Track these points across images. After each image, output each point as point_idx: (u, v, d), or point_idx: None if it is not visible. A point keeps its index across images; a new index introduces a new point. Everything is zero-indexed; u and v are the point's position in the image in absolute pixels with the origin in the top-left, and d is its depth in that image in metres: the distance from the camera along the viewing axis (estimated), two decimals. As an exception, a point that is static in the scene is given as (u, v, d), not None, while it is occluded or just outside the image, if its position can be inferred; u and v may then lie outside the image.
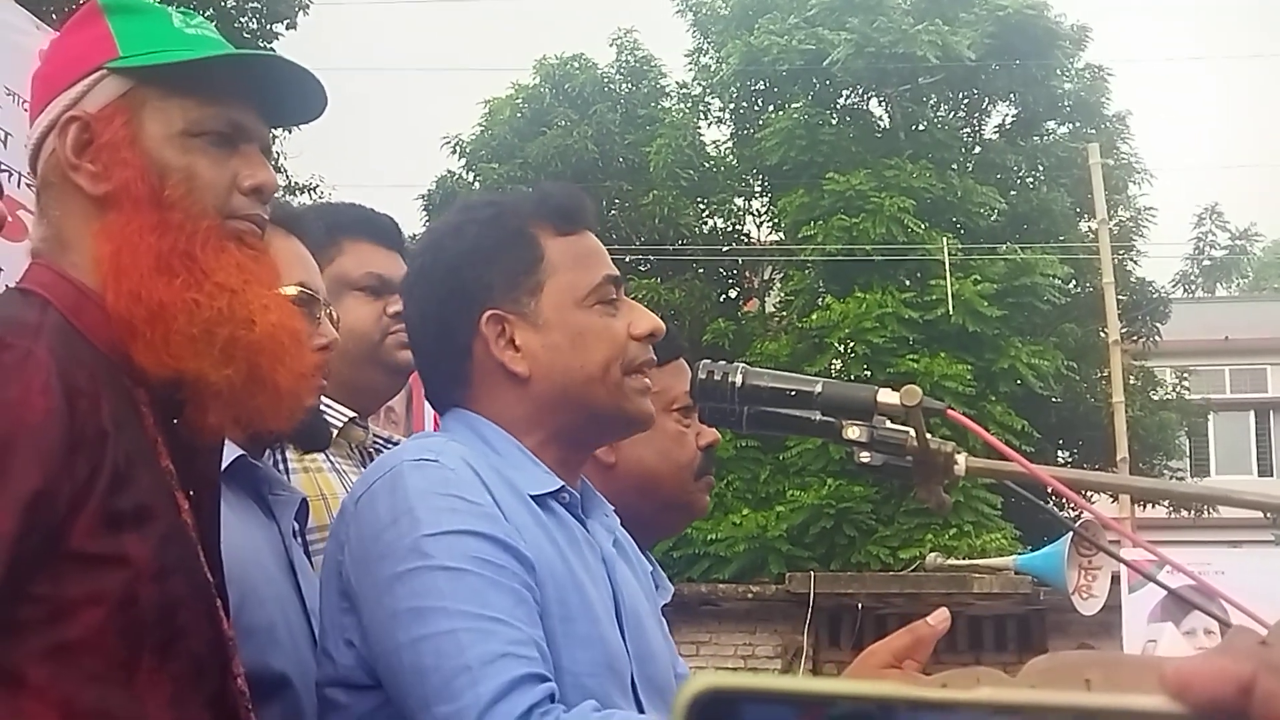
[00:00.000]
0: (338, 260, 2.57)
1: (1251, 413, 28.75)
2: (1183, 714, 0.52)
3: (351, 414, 2.55)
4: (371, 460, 2.65)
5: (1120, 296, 12.94)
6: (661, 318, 2.10)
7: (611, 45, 19.92)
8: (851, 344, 16.24)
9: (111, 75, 1.72)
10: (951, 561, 9.82)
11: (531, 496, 1.85)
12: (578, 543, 1.88)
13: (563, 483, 1.91)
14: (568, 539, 1.86)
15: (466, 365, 1.94)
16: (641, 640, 1.93)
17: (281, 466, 2.36)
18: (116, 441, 1.58)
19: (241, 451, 2.05)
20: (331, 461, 2.51)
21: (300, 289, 2.16)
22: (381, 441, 2.73)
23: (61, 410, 1.53)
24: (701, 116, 19.39)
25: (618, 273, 2.00)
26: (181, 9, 1.82)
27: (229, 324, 1.66)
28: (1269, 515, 17.40)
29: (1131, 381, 16.54)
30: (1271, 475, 27.44)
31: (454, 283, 1.96)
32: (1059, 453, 17.83)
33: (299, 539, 2.18)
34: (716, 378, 1.74)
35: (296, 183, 18.54)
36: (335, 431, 2.50)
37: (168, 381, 1.65)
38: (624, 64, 19.81)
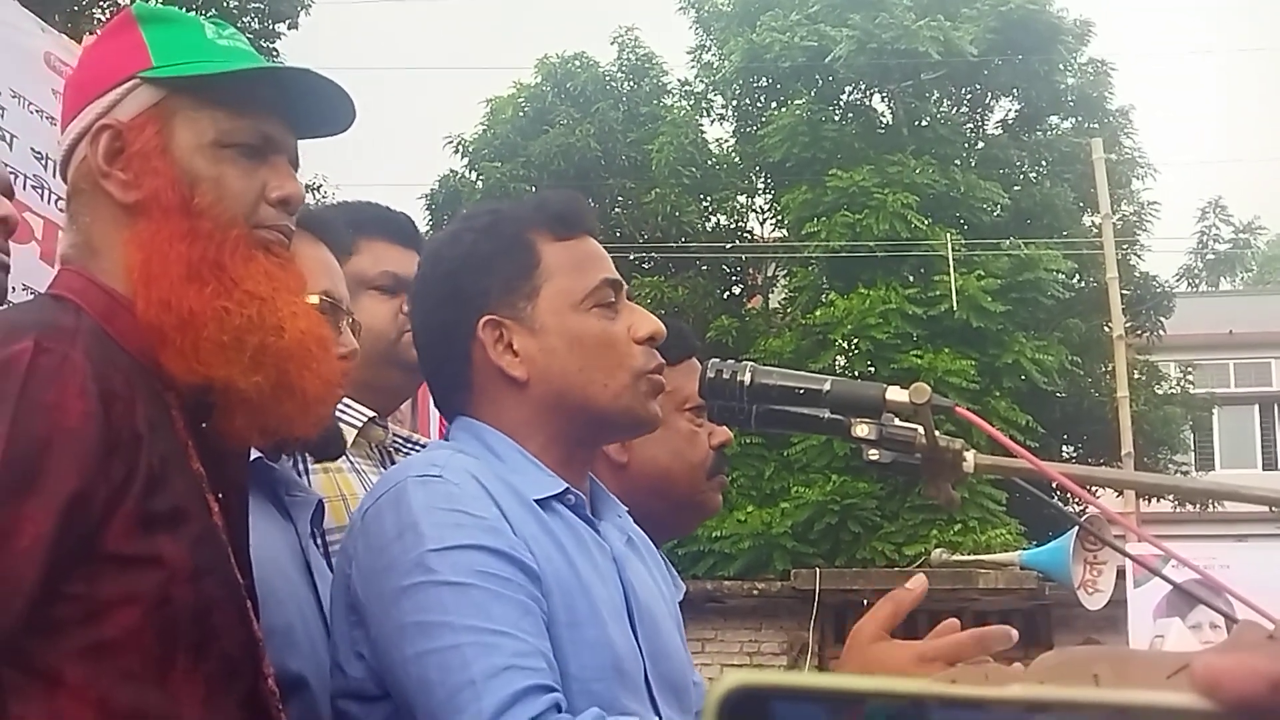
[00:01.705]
0: (354, 259, 2.58)
1: (1256, 406, 28.72)
2: (1213, 711, 0.52)
3: (371, 413, 2.55)
4: (392, 460, 2.65)
5: (1124, 291, 12.94)
6: (665, 315, 2.10)
7: (613, 43, 19.95)
8: (855, 340, 16.25)
9: (144, 84, 1.73)
10: (957, 557, 9.81)
11: (536, 501, 1.85)
12: (585, 544, 1.88)
13: (566, 485, 1.90)
14: (575, 541, 1.86)
15: (467, 371, 1.95)
16: (656, 638, 1.93)
17: (301, 467, 2.36)
18: (150, 444, 1.60)
19: (258, 454, 2.06)
20: (351, 462, 2.51)
21: (324, 297, 2.17)
22: (401, 440, 2.73)
23: (98, 413, 1.55)
24: (704, 114, 19.40)
25: (618, 276, 2.00)
26: (213, 19, 1.83)
27: (259, 331, 1.67)
28: (1275, 510, 17.40)
29: (1136, 376, 16.52)
30: (1276, 469, 27.42)
31: (451, 289, 1.97)
32: (1063, 448, 17.83)
33: (316, 541, 2.18)
34: (725, 376, 1.74)
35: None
36: (355, 431, 2.50)
37: (197, 387, 1.67)
38: (626, 62, 19.82)
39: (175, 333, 1.65)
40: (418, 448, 2.75)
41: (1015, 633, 1.81)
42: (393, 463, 2.64)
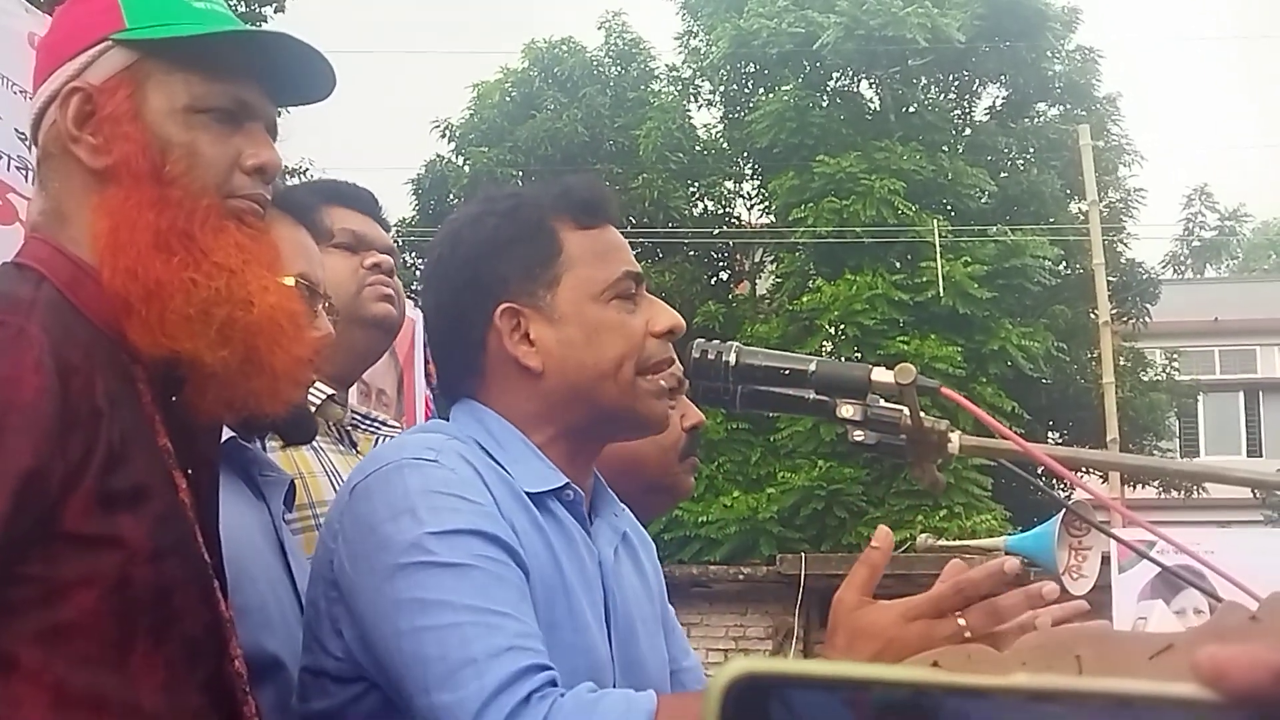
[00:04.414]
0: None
1: (1241, 393, 28.80)
2: (1218, 701, 0.52)
3: (330, 391, 2.54)
4: (349, 438, 2.64)
5: (1110, 278, 12.97)
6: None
7: (600, 28, 19.91)
8: (842, 326, 16.28)
9: (117, 47, 1.68)
10: (942, 543, 9.82)
11: (530, 494, 1.83)
12: (574, 545, 1.86)
13: (567, 480, 1.88)
14: (564, 541, 1.84)
15: (480, 357, 1.91)
16: (631, 648, 1.91)
17: (261, 444, 2.35)
18: (111, 420, 1.55)
19: (232, 433, 2.05)
20: None
21: (300, 280, 2.15)
22: (360, 417, 2.73)
23: (54, 388, 1.50)
24: (691, 99, 19.39)
25: (638, 268, 1.96)
26: None
27: (226, 304, 1.63)
28: (1259, 494, 17.48)
29: (1121, 363, 16.59)
30: (1261, 456, 27.49)
31: (470, 274, 1.93)
32: (1049, 434, 17.87)
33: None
34: (710, 357, 1.73)
35: (286, 165, 18.44)
36: (313, 409, 2.48)
37: (164, 360, 1.63)
38: (613, 47, 19.79)
39: (141, 303, 1.60)
40: (376, 424, 2.75)
41: (1014, 562, 1.73)
42: (351, 441, 2.63)
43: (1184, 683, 0.52)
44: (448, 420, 1.98)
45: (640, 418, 1.93)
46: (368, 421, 2.74)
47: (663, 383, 1.94)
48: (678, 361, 1.96)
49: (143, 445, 1.60)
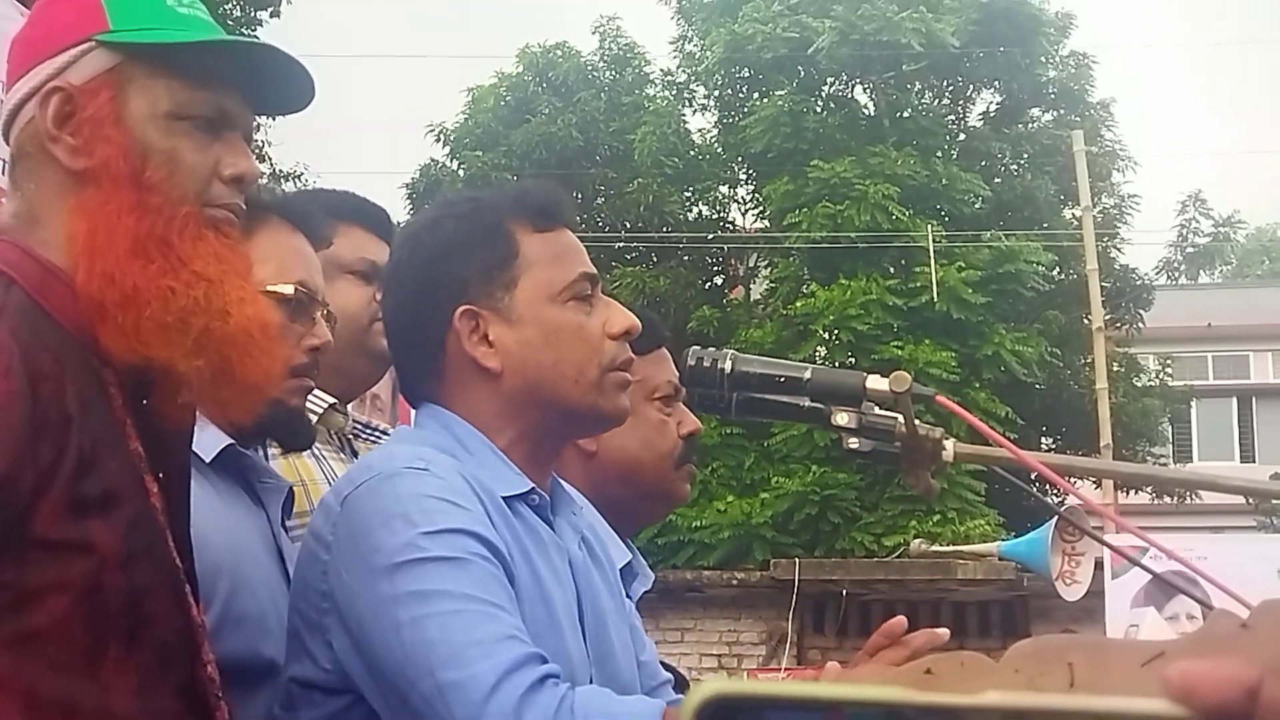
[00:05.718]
0: (333, 244, 2.57)
1: (1234, 399, 28.87)
2: (1188, 717, 0.52)
3: (331, 400, 2.54)
4: (351, 447, 2.64)
5: (1104, 283, 12.98)
6: (646, 305, 2.10)
7: (595, 33, 19.90)
8: (836, 331, 16.26)
9: (100, 48, 1.66)
10: (935, 548, 9.84)
11: (502, 499, 1.85)
12: (544, 546, 1.87)
13: (533, 484, 1.90)
14: (535, 544, 1.85)
15: (439, 359, 1.93)
16: (602, 640, 1.94)
17: (261, 451, 2.35)
18: (82, 425, 1.54)
19: (230, 440, 2.05)
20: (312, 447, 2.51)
21: (299, 288, 2.15)
22: (361, 426, 2.73)
23: (24, 394, 1.48)
24: (686, 104, 19.37)
25: (594, 270, 2.00)
26: None
27: (204, 315, 1.61)
28: (1252, 501, 17.50)
29: (1115, 368, 16.58)
30: (1254, 461, 27.54)
31: (429, 276, 1.95)
32: (1042, 439, 17.88)
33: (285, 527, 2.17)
34: (706, 364, 1.74)
35: (281, 170, 18.46)
36: (315, 417, 2.48)
37: (135, 365, 1.61)
38: (608, 52, 19.78)
39: (117, 309, 1.58)
40: (377, 433, 2.75)
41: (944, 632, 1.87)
42: (352, 449, 2.63)
43: (1156, 699, 0.52)
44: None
45: (603, 413, 1.96)
46: (369, 430, 2.74)
47: (626, 376, 1.97)
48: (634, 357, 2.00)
49: (114, 450, 1.59)
